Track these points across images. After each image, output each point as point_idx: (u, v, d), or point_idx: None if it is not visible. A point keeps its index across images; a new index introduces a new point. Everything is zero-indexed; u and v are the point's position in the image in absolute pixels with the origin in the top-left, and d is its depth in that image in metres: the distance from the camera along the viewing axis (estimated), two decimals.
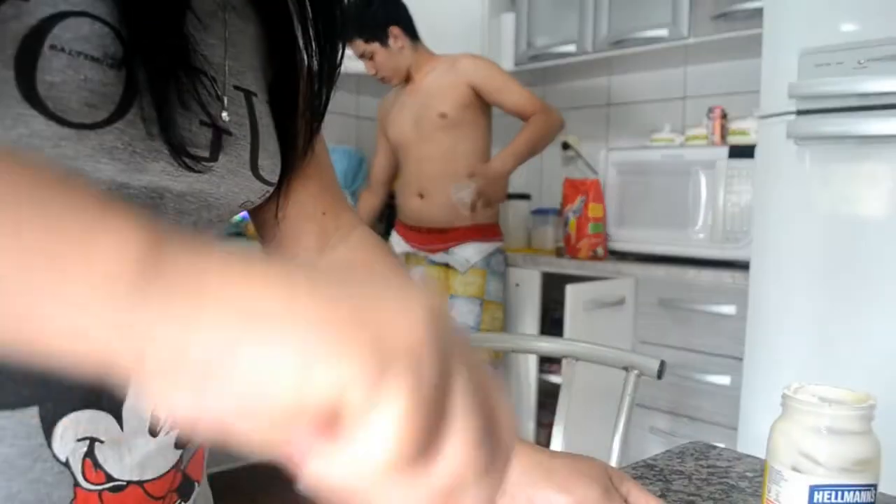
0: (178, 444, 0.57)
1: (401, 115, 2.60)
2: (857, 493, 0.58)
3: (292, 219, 0.71)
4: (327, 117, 0.69)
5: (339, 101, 1.07)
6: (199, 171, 0.54)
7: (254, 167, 0.59)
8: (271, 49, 0.65)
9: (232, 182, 0.58)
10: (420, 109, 2.54)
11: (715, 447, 0.97)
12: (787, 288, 1.78)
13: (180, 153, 0.51)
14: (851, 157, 1.66)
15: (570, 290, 2.04)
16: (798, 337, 1.74)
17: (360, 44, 2.48)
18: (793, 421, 0.61)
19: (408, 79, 2.58)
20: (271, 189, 0.64)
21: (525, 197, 3.02)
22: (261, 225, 0.73)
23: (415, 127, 2.55)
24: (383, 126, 2.72)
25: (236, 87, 0.58)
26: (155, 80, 0.48)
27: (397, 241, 2.62)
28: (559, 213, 2.67)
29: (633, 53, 2.66)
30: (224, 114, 0.56)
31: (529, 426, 2.50)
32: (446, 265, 2.52)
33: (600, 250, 2.51)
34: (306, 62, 0.66)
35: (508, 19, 3.03)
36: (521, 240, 2.99)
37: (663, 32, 2.51)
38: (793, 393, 0.62)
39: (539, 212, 3.03)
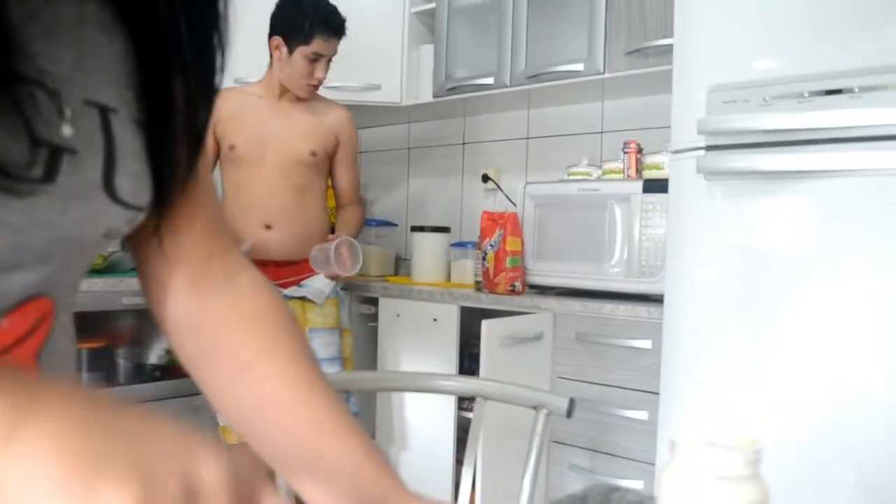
0: None
1: (258, 129, 2.42)
2: None
3: (171, 259, 0.66)
4: None
5: None
6: (26, 195, 0.47)
7: (108, 188, 0.53)
8: (143, 67, 0.59)
9: (82, 207, 0.51)
10: (288, 136, 2.44)
11: (619, 489, 0.94)
12: (701, 322, 1.78)
13: (4, 176, 0.45)
14: (759, 191, 1.68)
15: (486, 326, 2.00)
16: (711, 371, 1.74)
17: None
18: (680, 467, 0.59)
19: (281, 95, 2.47)
20: (138, 214, 0.57)
21: (444, 230, 2.99)
22: (142, 262, 0.67)
23: (276, 151, 2.43)
24: (223, 126, 2.41)
25: (88, 102, 0.52)
26: None
27: None
28: (478, 246, 2.65)
29: (550, 87, 2.68)
30: (66, 129, 0.50)
31: (448, 464, 2.44)
32: (301, 298, 2.44)
33: (518, 284, 2.49)
34: (183, 82, 0.60)
35: (427, 50, 3.02)
36: (440, 274, 2.95)
37: (579, 67, 2.53)
38: (681, 438, 0.60)
39: (458, 245, 3.01)
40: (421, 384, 1.36)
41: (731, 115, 1.72)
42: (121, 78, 0.57)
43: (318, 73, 2.40)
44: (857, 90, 1.57)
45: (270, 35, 2.40)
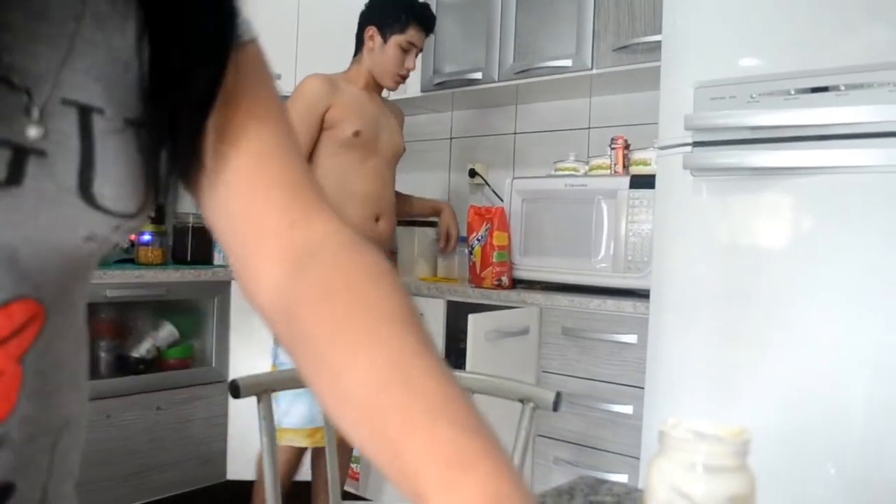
0: None
1: (374, 119, 2.41)
2: None
3: (251, 239, 0.59)
4: None
5: None
6: None
7: (85, 194, 0.51)
8: (152, 56, 0.56)
9: (53, 212, 0.49)
10: (393, 129, 2.48)
11: (605, 482, 0.94)
12: (685, 317, 1.79)
13: None
14: (745, 188, 1.69)
15: (473, 320, 2.01)
16: (696, 366, 1.75)
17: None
18: (668, 458, 0.59)
19: (367, 88, 2.45)
20: (126, 221, 0.55)
21: (432, 224, 2.99)
22: (227, 246, 0.61)
23: (386, 143, 2.45)
24: (340, 112, 2.32)
25: (66, 102, 0.50)
26: None
27: None
28: (466, 240, 2.65)
29: (538, 82, 2.68)
30: (31, 130, 0.48)
31: None
32: None
33: (505, 279, 2.50)
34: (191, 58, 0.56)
35: None
36: (428, 268, 2.95)
37: (567, 63, 2.53)
38: (669, 428, 0.60)
39: None
40: None
41: (718, 112, 1.73)
42: (117, 75, 0.54)
43: (409, 63, 2.42)
44: (843, 88, 1.59)
45: (364, 25, 2.42)
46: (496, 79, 2.75)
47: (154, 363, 2.68)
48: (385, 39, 2.38)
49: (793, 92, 1.65)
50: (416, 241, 2.93)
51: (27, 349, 0.52)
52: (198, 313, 2.85)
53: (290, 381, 1.33)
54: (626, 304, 2.11)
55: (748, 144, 1.69)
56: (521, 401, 1.31)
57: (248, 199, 0.58)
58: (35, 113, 0.48)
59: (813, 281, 1.59)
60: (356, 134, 2.31)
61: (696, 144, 1.78)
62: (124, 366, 2.63)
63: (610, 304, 2.14)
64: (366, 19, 2.42)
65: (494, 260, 2.50)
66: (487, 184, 3.09)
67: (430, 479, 0.42)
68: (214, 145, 0.58)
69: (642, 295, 2.09)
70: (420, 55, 2.49)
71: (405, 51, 2.40)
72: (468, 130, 3.31)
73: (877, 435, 1.50)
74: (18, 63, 0.48)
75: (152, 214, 0.59)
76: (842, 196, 1.58)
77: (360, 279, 0.55)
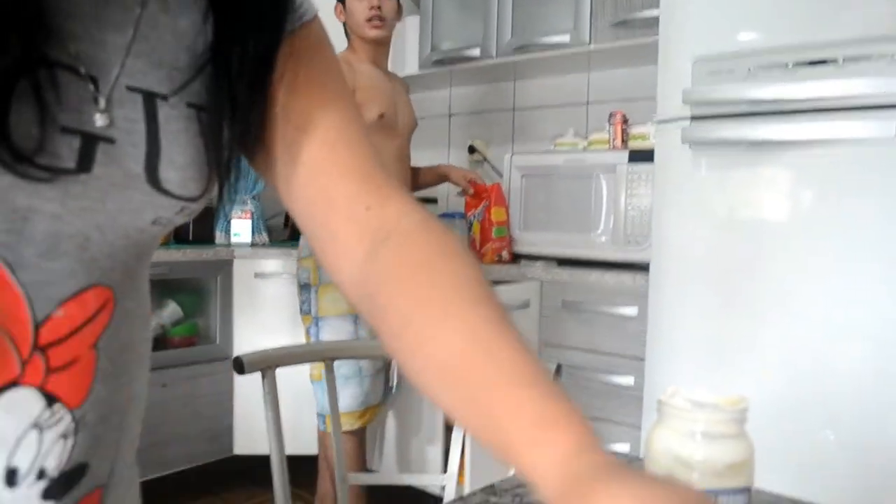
0: (48, 495, 0.52)
1: (391, 97, 2.36)
2: (732, 496, 0.58)
3: (330, 224, 0.60)
4: None
5: None
6: (61, 184, 0.47)
7: (152, 179, 0.52)
8: (214, 40, 0.57)
9: (121, 197, 0.51)
10: (406, 104, 2.46)
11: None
12: (685, 289, 1.81)
13: (21, 162, 0.44)
14: (744, 161, 1.71)
15: None
16: (695, 337, 1.78)
17: None
18: (667, 426, 0.61)
19: (374, 61, 2.40)
20: (190, 204, 0.56)
21: (431, 201, 3.01)
22: (310, 232, 0.63)
23: (403, 120, 2.42)
24: (364, 95, 2.26)
25: (132, 89, 0.51)
26: None
27: None
28: (465, 217, 2.67)
29: (535, 59, 2.68)
30: (99, 118, 0.49)
31: (438, 431, 2.48)
32: None
33: (505, 254, 2.52)
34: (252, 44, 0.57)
35: (413, 22, 3.01)
36: None
37: (565, 38, 2.53)
38: (668, 398, 0.62)
39: (445, 216, 3.02)
40: None
41: (716, 86, 1.74)
42: (180, 60, 0.55)
43: (374, 1, 2.33)
44: (841, 61, 1.59)
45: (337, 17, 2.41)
46: (494, 55, 2.75)
47: (159, 341, 2.71)
48: (344, 3, 2.39)
49: (791, 65, 1.66)
50: None
51: (100, 335, 0.54)
52: (201, 291, 2.87)
53: (296, 356, 1.35)
54: (626, 277, 2.13)
55: (746, 118, 1.71)
56: None
57: (323, 187, 0.60)
58: (102, 102, 0.49)
59: (811, 253, 1.61)
60: (381, 116, 2.28)
61: (694, 118, 1.79)
62: None
63: (609, 277, 2.17)
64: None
65: (494, 235, 2.52)
66: (487, 160, 3.11)
67: (519, 435, 0.46)
68: (285, 133, 0.59)
69: (642, 268, 2.11)
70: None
71: None
72: (467, 107, 3.31)
73: (876, 400, 1.53)
74: (85, 52, 0.49)
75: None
76: (840, 168, 1.59)
77: (436, 257, 0.57)
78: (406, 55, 3.04)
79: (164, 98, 0.53)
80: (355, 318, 2.28)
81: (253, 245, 3.06)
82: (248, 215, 3.06)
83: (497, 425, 0.47)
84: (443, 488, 1.31)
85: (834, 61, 1.60)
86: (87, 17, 0.49)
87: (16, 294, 0.49)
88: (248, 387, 2.64)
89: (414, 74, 3.02)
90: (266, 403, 1.29)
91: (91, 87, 0.49)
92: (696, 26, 1.80)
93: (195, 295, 2.88)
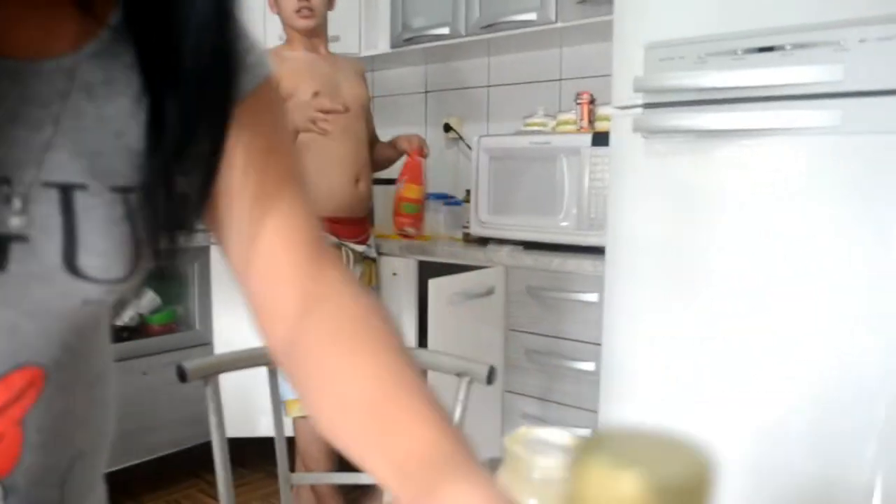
0: None
1: (331, 81, 2.41)
2: None
3: (269, 287, 0.63)
4: None
5: None
6: None
7: (71, 268, 0.52)
8: (151, 116, 0.55)
9: (44, 287, 0.52)
10: (352, 86, 2.48)
11: None
12: (639, 276, 1.82)
13: None
14: (695, 148, 1.70)
15: (434, 285, 2.03)
16: (650, 322, 1.78)
17: None
18: (509, 469, 0.62)
19: (310, 49, 2.43)
20: (118, 285, 0.55)
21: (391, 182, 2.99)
22: (250, 296, 0.64)
23: (349, 97, 2.43)
24: (293, 79, 2.31)
25: (48, 184, 0.50)
26: None
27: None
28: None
29: (503, 37, 2.65)
30: (13, 220, 0.49)
31: None
32: (366, 257, 2.50)
33: (411, 230, 2.67)
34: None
35: (385, 0, 2.98)
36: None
37: (532, 16, 2.50)
38: (511, 442, 0.63)
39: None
40: None
41: (666, 73, 1.73)
42: (105, 145, 0.54)
43: None
44: (788, 47, 1.57)
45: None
46: (463, 34, 2.72)
47: (138, 330, 2.74)
48: None
49: (740, 52, 1.64)
50: (389, 199, 2.93)
51: (28, 410, 0.55)
52: (179, 279, 2.89)
53: (237, 362, 1.37)
54: (587, 264, 2.13)
55: (697, 105, 1.69)
56: (458, 375, 1.35)
57: (268, 255, 0.62)
58: (17, 203, 0.49)
59: (762, 237, 1.60)
60: (315, 95, 2.32)
61: (646, 106, 1.78)
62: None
63: (571, 263, 2.17)
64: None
65: (403, 211, 2.65)
66: (461, 138, 3.09)
67: (413, 477, 0.49)
68: (241, 206, 0.62)
69: (603, 253, 2.10)
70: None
71: None
72: (442, 84, 3.28)
73: (838, 386, 1.54)
74: (0, 153, 0.48)
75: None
76: (789, 156, 1.58)
77: (360, 314, 0.61)
78: (378, 33, 3.01)
79: (84, 188, 0.52)
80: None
81: None
82: None
83: (392, 463, 0.50)
84: None
85: (781, 48, 1.58)
86: (2, 119, 0.49)
87: None
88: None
89: (387, 52, 3.00)
90: (210, 411, 1.31)
91: (5, 188, 0.49)
92: (647, 11, 1.78)
93: (173, 282, 2.90)
